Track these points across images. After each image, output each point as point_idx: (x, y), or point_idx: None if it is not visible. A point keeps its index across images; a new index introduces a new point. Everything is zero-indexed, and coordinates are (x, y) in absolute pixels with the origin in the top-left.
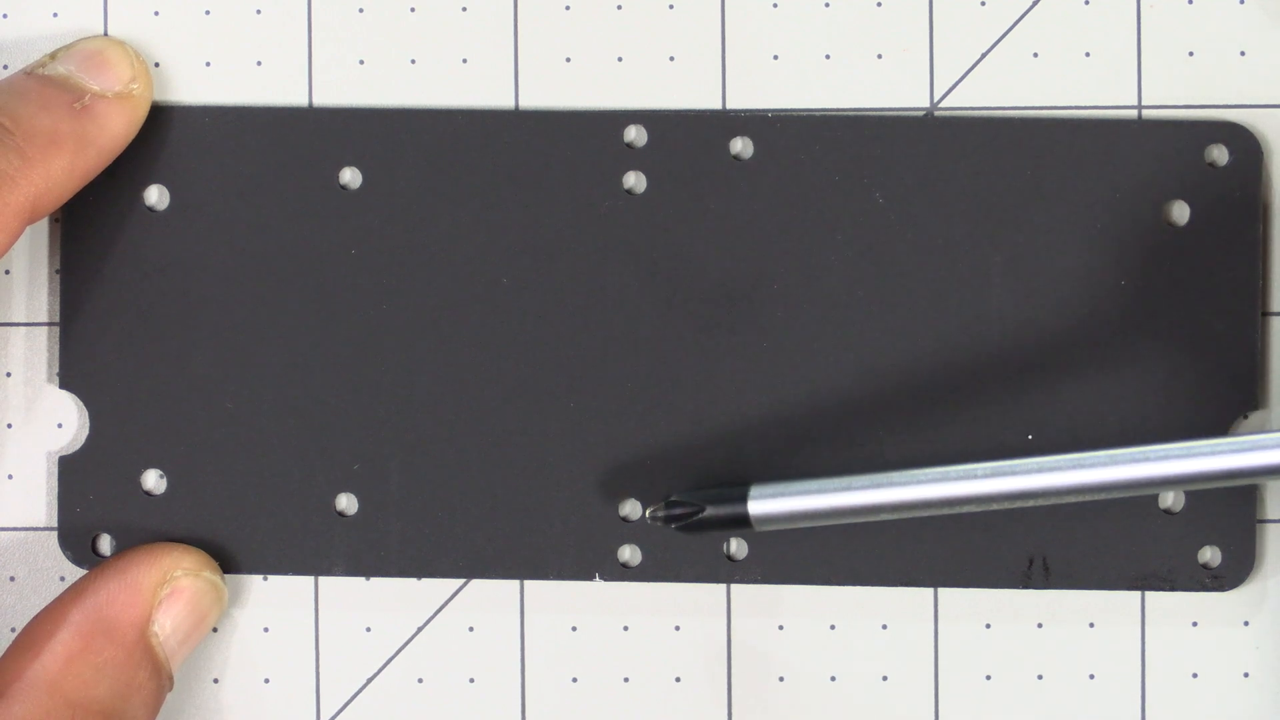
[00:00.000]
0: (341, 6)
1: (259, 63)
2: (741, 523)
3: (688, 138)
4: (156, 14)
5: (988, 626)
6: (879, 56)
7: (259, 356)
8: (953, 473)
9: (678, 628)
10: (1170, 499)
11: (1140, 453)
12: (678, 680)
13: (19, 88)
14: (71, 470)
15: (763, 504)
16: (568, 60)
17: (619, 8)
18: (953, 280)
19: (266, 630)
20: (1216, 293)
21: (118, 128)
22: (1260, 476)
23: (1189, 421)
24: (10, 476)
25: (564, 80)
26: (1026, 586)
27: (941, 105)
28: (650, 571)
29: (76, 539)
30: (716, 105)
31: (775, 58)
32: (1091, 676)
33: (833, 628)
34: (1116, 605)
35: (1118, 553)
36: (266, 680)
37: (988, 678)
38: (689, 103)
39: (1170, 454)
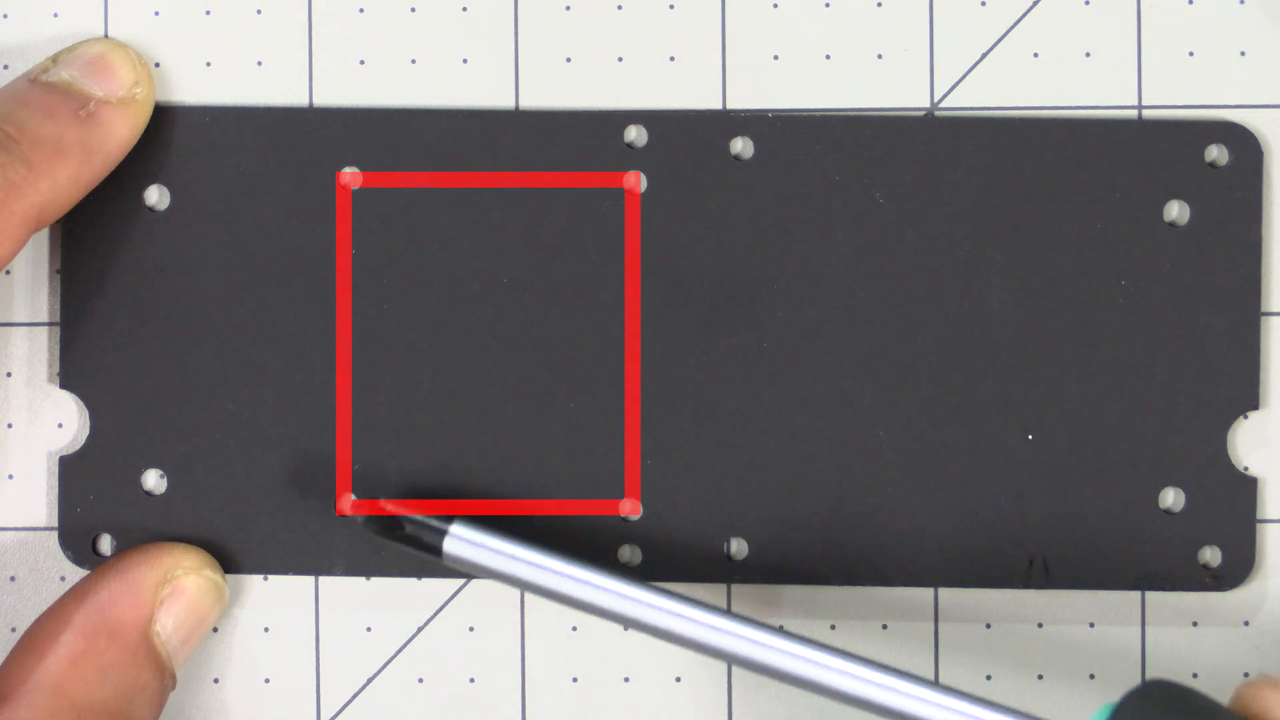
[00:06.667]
0: (341, 6)
1: (259, 63)
2: (434, 553)
3: (688, 138)
4: (156, 14)
5: (988, 626)
6: (879, 56)
7: (259, 356)
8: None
9: None
10: (1170, 498)
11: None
12: (678, 680)
13: (23, 95)
14: (72, 470)
15: (458, 546)
16: (568, 60)
17: (619, 8)
18: (953, 280)
19: (266, 630)
20: (1216, 293)
21: (122, 133)
22: None
23: (1189, 421)
24: (10, 476)
25: (564, 80)
26: (1026, 586)
27: (941, 105)
28: (650, 571)
29: (77, 539)
30: (716, 105)
31: (775, 58)
32: (1091, 676)
33: (833, 628)
34: (1116, 605)
35: (1118, 553)
36: (266, 680)
37: (988, 678)
38: (689, 103)
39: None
